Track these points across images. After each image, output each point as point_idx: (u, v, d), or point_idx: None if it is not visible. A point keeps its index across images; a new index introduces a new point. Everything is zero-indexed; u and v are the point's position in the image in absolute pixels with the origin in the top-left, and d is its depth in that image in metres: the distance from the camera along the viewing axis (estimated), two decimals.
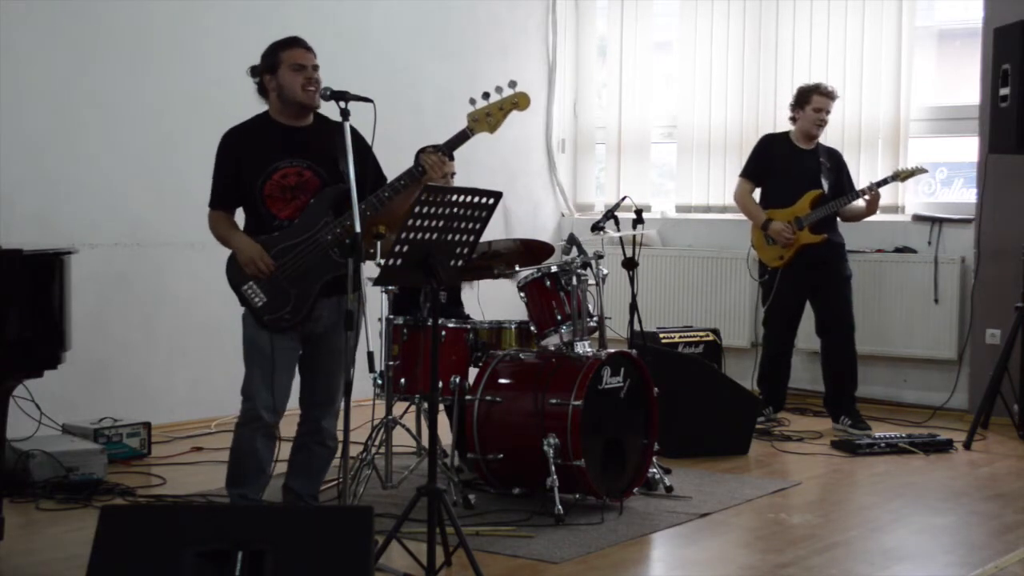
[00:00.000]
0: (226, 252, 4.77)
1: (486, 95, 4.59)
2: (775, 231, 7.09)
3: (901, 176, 7.19)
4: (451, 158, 4.78)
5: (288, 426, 4.94)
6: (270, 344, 4.66)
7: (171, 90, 6.94)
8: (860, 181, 7.49)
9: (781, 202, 7.16)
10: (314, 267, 4.62)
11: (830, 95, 7.17)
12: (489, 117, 4.60)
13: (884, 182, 7.15)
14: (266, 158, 4.65)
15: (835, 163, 7.27)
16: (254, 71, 4.75)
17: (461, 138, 4.63)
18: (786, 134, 7.33)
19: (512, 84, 4.59)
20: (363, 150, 4.64)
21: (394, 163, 4.77)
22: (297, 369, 4.84)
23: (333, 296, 4.69)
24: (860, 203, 7.14)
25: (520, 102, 4.60)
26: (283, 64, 4.65)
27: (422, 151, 4.78)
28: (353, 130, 4.62)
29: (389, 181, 4.63)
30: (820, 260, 7.13)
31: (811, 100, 7.13)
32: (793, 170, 7.17)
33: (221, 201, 4.78)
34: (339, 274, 4.53)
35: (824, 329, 7.26)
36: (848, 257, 7.31)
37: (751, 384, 7.49)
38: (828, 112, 7.17)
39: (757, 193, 7.34)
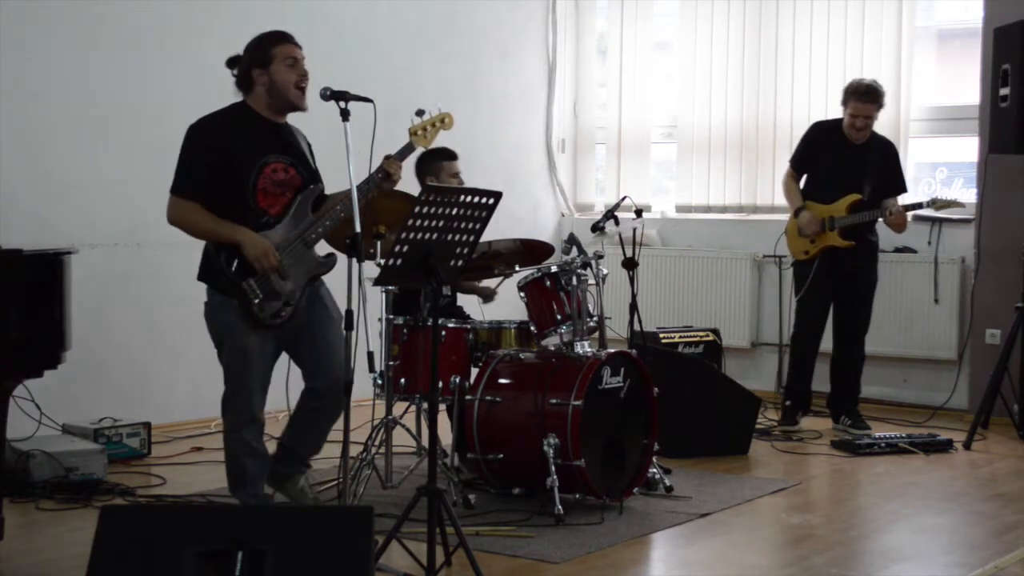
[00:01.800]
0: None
1: (420, 112, 4.84)
2: (803, 221, 7.03)
3: (937, 205, 7.02)
4: (455, 156, 4.89)
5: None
6: (263, 345, 4.68)
7: (171, 90, 6.94)
8: None
9: (822, 197, 7.06)
10: (303, 265, 4.68)
11: (865, 100, 6.90)
12: (425, 132, 4.86)
13: (917, 206, 7.05)
14: (257, 151, 4.65)
15: (885, 160, 7.09)
16: (235, 63, 4.74)
17: (408, 149, 4.85)
18: (838, 123, 7.12)
19: (438, 107, 4.88)
20: (311, 151, 4.83)
21: None
22: (297, 354, 4.86)
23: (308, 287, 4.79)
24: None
25: (446, 121, 4.90)
26: (276, 59, 4.65)
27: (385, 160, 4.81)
28: (299, 131, 4.73)
29: (356, 185, 4.65)
30: (852, 260, 7.06)
31: (848, 105, 6.97)
32: (835, 166, 7.05)
33: (194, 191, 4.64)
34: (321, 271, 4.80)
35: (841, 330, 7.23)
36: (879, 259, 7.23)
37: (758, 385, 7.50)
38: (867, 118, 6.93)
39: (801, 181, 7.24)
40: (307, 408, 4.87)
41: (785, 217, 7.37)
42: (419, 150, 5.03)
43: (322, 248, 4.89)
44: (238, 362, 4.69)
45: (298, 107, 4.70)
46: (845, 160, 7.05)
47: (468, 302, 6.29)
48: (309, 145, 4.91)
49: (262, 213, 4.65)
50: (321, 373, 4.80)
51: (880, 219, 7.03)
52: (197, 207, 4.67)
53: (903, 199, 7.13)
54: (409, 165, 4.95)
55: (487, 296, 6.28)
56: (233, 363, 4.70)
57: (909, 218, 7.09)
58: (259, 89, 4.69)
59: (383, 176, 4.71)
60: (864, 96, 6.95)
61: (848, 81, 7.18)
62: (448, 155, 5.89)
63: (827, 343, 7.31)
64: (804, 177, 7.24)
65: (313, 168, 4.81)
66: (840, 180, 7.04)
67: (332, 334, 4.78)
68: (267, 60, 4.66)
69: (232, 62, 4.74)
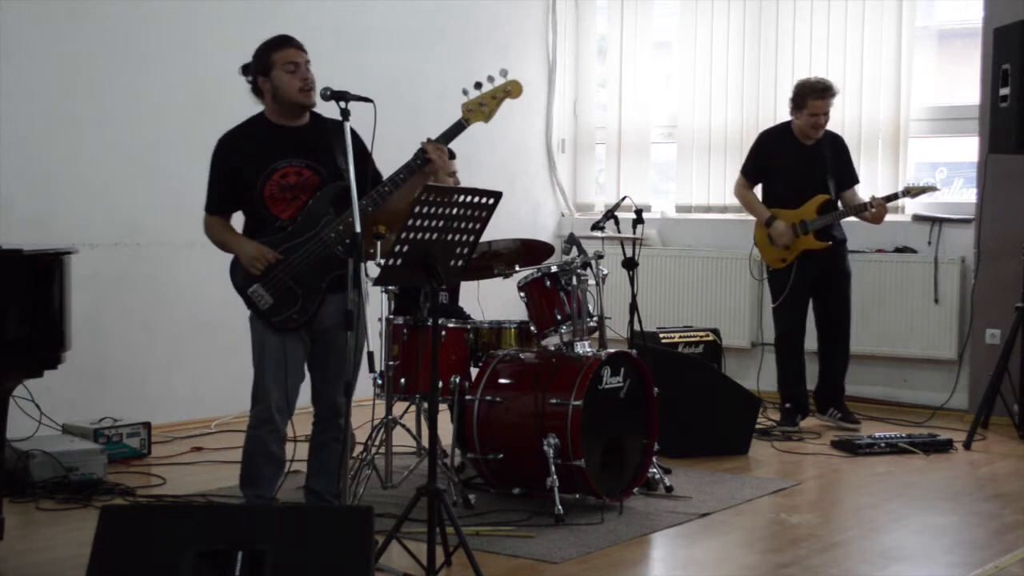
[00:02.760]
0: (226, 255, 4.79)
1: (478, 85, 4.62)
2: (777, 232, 7.06)
3: (912, 193, 7.09)
4: (452, 155, 4.79)
5: (301, 425, 4.94)
6: (281, 345, 4.67)
7: (170, 90, 6.94)
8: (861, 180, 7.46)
9: (786, 203, 7.12)
10: (319, 265, 4.63)
11: (825, 96, 7.02)
12: (483, 107, 4.60)
13: (893, 197, 7.11)
14: (265, 160, 4.64)
15: (837, 152, 7.20)
16: (246, 70, 4.74)
17: (456, 129, 4.63)
18: (787, 126, 7.23)
19: (504, 73, 4.61)
20: (362, 151, 4.64)
21: (394, 163, 4.76)
22: (307, 368, 4.83)
23: (339, 292, 4.68)
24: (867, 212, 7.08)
25: (512, 90, 4.60)
26: (276, 65, 4.63)
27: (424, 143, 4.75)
28: (353, 131, 4.63)
29: (388, 176, 4.63)
30: (825, 259, 7.12)
31: (807, 105, 7.03)
32: (796, 169, 7.11)
33: (218, 207, 4.78)
34: (344, 271, 4.59)
35: (824, 324, 7.28)
36: (848, 254, 7.32)
37: (758, 385, 7.52)
38: (826, 114, 7.06)
39: (758, 190, 7.30)
40: (312, 432, 4.89)
41: None
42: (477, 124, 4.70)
43: None
44: (256, 358, 4.74)
45: (305, 105, 4.68)
46: (803, 162, 7.13)
47: (468, 302, 6.29)
48: (360, 142, 4.63)
49: (274, 219, 4.67)
50: (321, 395, 4.81)
51: (851, 216, 7.11)
52: (218, 221, 4.79)
53: (860, 189, 7.27)
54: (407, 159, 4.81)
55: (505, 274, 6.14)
56: (254, 361, 4.76)
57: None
58: (267, 97, 4.71)
59: (422, 161, 4.58)
60: (823, 92, 7.04)
61: (796, 83, 7.21)
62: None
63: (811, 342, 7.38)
64: (759, 186, 7.29)
65: (340, 165, 4.62)
66: (802, 183, 7.11)
67: (341, 360, 4.70)
68: (268, 67, 4.66)
69: (245, 69, 4.75)
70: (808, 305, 7.26)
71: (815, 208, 7.05)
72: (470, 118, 4.62)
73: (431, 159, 4.58)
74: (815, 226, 7.04)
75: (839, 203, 7.16)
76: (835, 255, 7.18)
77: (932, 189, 7.16)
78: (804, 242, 7.06)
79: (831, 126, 7.27)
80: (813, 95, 7.03)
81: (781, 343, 7.31)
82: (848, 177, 7.23)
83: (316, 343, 4.75)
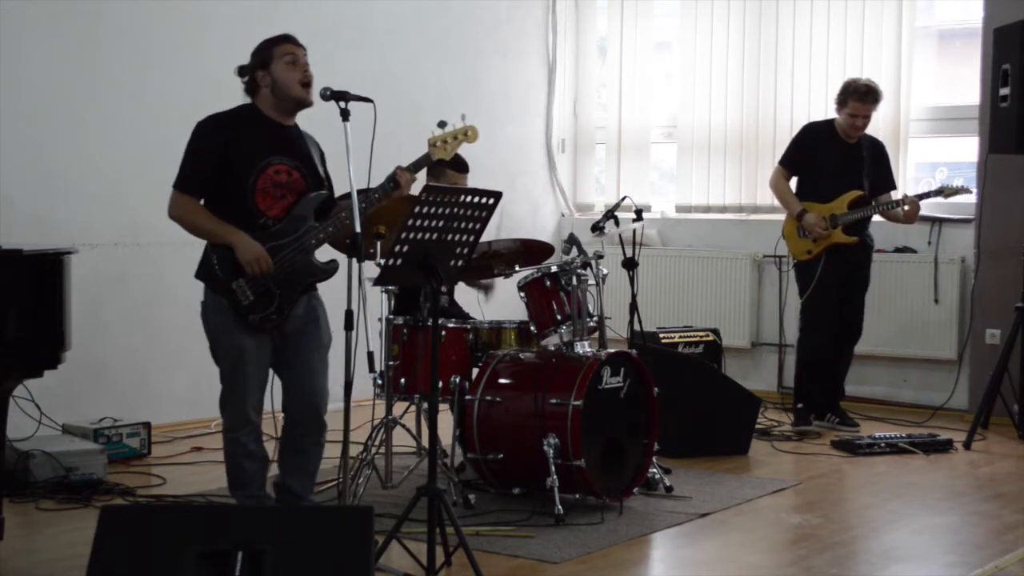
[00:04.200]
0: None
1: (442, 124, 4.75)
2: (809, 223, 7.03)
3: (945, 193, 7.05)
4: (466, 168, 4.90)
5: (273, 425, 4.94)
6: (255, 348, 4.65)
7: (171, 90, 6.94)
8: None
9: (819, 196, 7.09)
10: (299, 270, 4.64)
11: (867, 100, 6.99)
12: (445, 144, 4.78)
13: (927, 195, 7.06)
14: (260, 151, 4.62)
15: (877, 157, 7.18)
16: (243, 70, 4.74)
17: (424, 161, 4.77)
18: (831, 123, 7.21)
19: (462, 117, 4.79)
20: (323, 159, 4.76)
21: (394, 163, 4.78)
22: (276, 371, 4.80)
23: (304, 295, 4.71)
24: (899, 209, 7.06)
25: (470, 134, 4.81)
26: (276, 59, 4.64)
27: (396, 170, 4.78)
28: (311, 138, 4.69)
29: (362, 194, 4.63)
30: (855, 260, 7.12)
31: (848, 104, 7.02)
32: (834, 164, 7.09)
33: (197, 187, 4.64)
34: (317, 279, 4.73)
35: (841, 330, 7.22)
36: (873, 259, 7.29)
37: (758, 385, 7.51)
38: (866, 117, 7.03)
39: (793, 182, 7.26)
40: (286, 434, 4.83)
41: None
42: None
43: (325, 253, 4.83)
44: (232, 363, 4.68)
45: (304, 102, 4.67)
46: (843, 159, 7.11)
47: (468, 302, 6.28)
48: (322, 153, 4.84)
49: (260, 214, 4.62)
50: (298, 397, 4.75)
51: (876, 215, 7.09)
52: (197, 204, 4.67)
53: (895, 194, 7.23)
54: (406, 160, 4.83)
55: (487, 288, 6.23)
56: (227, 364, 4.69)
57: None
58: (264, 91, 4.68)
59: (393, 185, 4.67)
60: (865, 96, 7.02)
61: (844, 81, 7.21)
62: (455, 166, 5.73)
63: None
64: (795, 178, 7.27)
65: (320, 174, 4.76)
66: (839, 178, 7.09)
67: (316, 359, 4.73)
68: (268, 60, 4.66)
69: (241, 70, 4.74)
70: (838, 304, 7.16)
71: (847, 203, 7.03)
72: (433, 153, 4.79)
73: (399, 184, 4.67)
74: (845, 220, 7.02)
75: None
76: (864, 257, 7.16)
77: (966, 191, 7.13)
78: (833, 235, 7.03)
79: None
80: (855, 96, 7.01)
81: (808, 339, 7.22)
82: (885, 181, 7.19)
83: (285, 344, 4.72)
